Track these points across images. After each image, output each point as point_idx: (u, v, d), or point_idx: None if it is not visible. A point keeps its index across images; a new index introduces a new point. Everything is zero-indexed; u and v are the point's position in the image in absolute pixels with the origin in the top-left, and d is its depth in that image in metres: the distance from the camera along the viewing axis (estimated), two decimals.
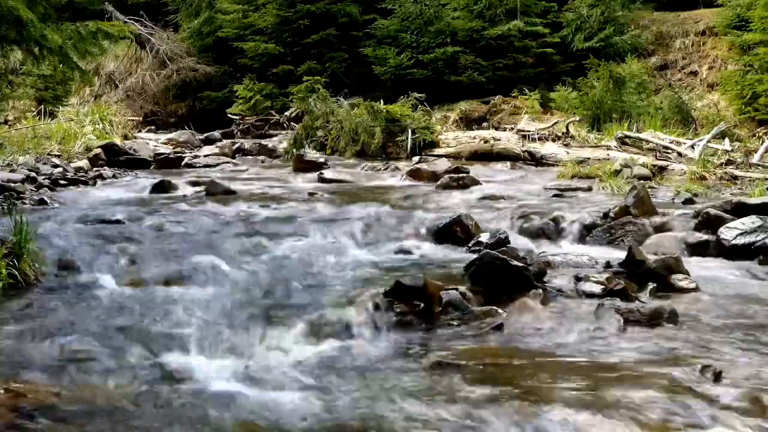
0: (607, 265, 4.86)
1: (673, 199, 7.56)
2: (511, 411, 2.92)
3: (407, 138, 11.89)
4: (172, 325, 3.86)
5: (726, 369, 3.27)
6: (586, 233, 6.06)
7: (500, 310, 4.10)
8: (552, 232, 6.13)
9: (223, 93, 18.01)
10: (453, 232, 5.85)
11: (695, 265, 5.02)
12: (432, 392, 3.13)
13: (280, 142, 13.63)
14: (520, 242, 5.74)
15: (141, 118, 17.93)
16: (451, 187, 8.49)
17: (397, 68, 15.89)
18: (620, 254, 5.01)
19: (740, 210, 5.94)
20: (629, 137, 11.18)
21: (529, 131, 12.53)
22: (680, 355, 3.50)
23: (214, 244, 5.61)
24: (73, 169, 9.68)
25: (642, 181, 8.22)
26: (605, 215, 6.27)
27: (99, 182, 9.16)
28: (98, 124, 12.77)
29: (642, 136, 11.17)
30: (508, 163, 11.04)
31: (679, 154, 10.31)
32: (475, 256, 4.64)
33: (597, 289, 4.35)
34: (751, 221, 5.45)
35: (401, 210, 6.88)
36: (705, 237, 5.61)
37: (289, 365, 3.48)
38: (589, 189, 8.36)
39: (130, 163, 10.88)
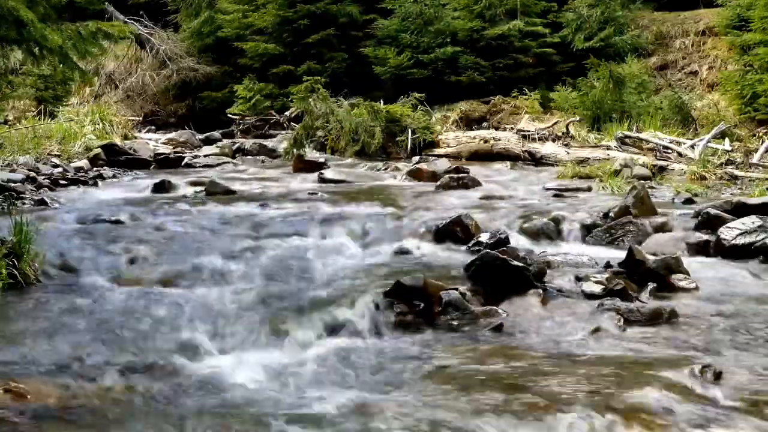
0: (607, 265, 4.86)
1: (673, 199, 7.56)
2: (510, 411, 2.92)
3: (407, 138, 11.89)
4: (171, 325, 3.86)
5: (726, 369, 3.27)
6: (586, 233, 6.06)
7: (500, 310, 4.11)
8: (552, 232, 6.12)
9: (223, 93, 17.99)
10: (453, 232, 5.84)
11: (695, 265, 5.01)
12: (431, 392, 3.13)
13: (280, 142, 13.60)
14: (520, 242, 5.74)
15: (141, 118, 17.92)
16: (451, 187, 8.48)
17: (397, 68, 15.88)
18: (620, 254, 5.01)
19: (740, 210, 5.94)
20: (629, 137, 11.19)
21: (529, 131, 12.53)
22: (680, 355, 3.50)
23: (214, 244, 5.61)
24: (73, 169, 9.67)
25: (642, 181, 8.22)
26: (605, 215, 6.27)
27: (99, 182, 9.15)
28: (98, 124, 12.76)
29: (642, 136, 11.17)
30: (508, 163, 11.05)
31: (679, 154, 10.32)
32: (475, 256, 4.64)
33: (597, 289, 4.35)
34: (751, 221, 5.45)
35: (401, 210, 6.88)
36: (705, 237, 5.61)
37: (289, 365, 3.48)
38: (589, 189, 8.36)
39: (130, 163, 10.87)
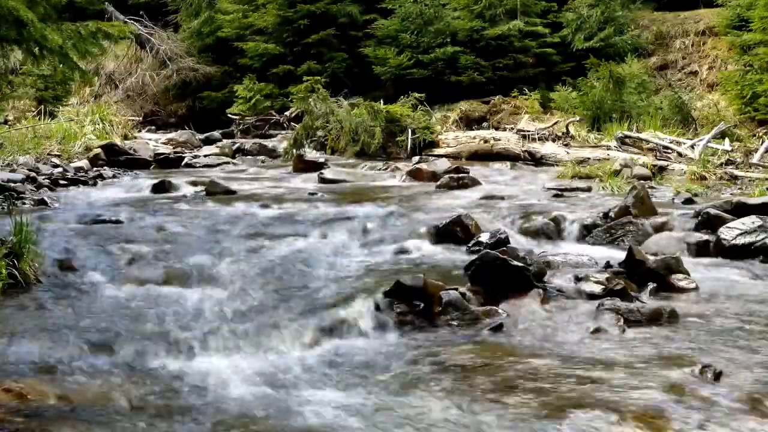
0: (607, 265, 4.86)
1: (673, 199, 7.56)
2: (510, 411, 2.92)
3: (407, 138, 11.89)
4: (172, 325, 3.86)
5: (726, 369, 3.27)
6: (586, 233, 6.06)
7: (500, 310, 4.11)
8: (552, 232, 6.12)
9: (223, 93, 18.00)
10: (453, 232, 5.84)
11: (695, 265, 5.02)
12: (431, 392, 3.13)
13: (280, 142, 13.62)
14: (520, 242, 5.75)
15: (141, 118, 17.92)
16: (451, 187, 8.48)
17: (397, 68, 15.89)
18: (620, 254, 5.01)
19: (740, 210, 5.93)
20: (629, 137, 11.19)
21: (529, 131, 12.53)
22: (680, 355, 3.50)
23: (214, 244, 5.61)
24: (73, 169, 9.67)
25: (642, 181, 8.22)
26: (605, 215, 6.27)
27: (99, 182, 9.15)
28: (98, 124, 12.77)
29: (642, 136, 11.17)
30: (508, 163, 11.04)
31: (679, 154, 10.32)
32: (475, 256, 4.64)
33: (597, 289, 4.35)
34: (751, 221, 5.45)
35: (401, 210, 6.88)
36: (705, 237, 5.61)
37: (289, 365, 3.48)
38: (589, 189, 8.35)
39: (130, 163, 10.87)
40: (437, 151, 11.79)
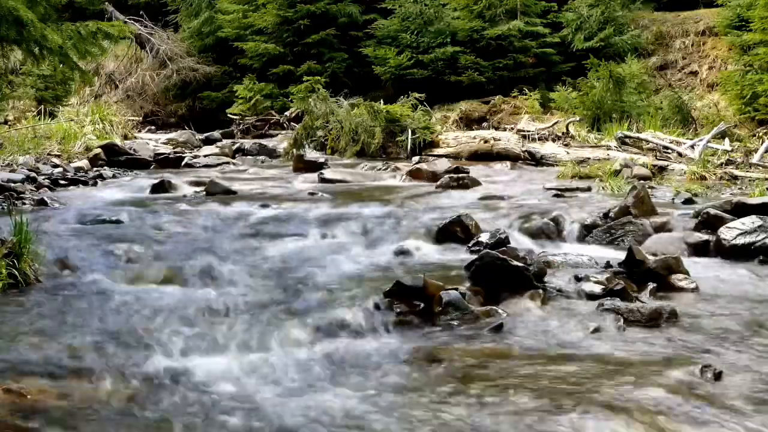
0: (607, 265, 4.86)
1: (673, 199, 7.56)
2: (510, 411, 2.92)
3: (407, 138, 11.89)
4: (172, 325, 3.86)
5: (726, 369, 3.27)
6: (586, 233, 6.06)
7: (500, 310, 4.11)
8: (552, 232, 6.12)
9: (223, 93, 18.01)
10: (453, 232, 5.85)
11: (695, 265, 5.02)
12: (431, 392, 3.13)
13: (280, 142, 13.62)
14: (520, 242, 5.74)
15: (141, 118, 17.92)
16: (451, 187, 8.48)
17: (397, 68, 15.89)
18: (620, 254, 5.01)
19: (740, 210, 5.93)
20: (629, 137, 11.19)
21: (529, 131, 12.53)
22: (680, 355, 3.50)
23: (214, 244, 5.61)
24: (73, 169, 9.68)
25: (642, 181, 8.22)
26: (605, 215, 6.27)
27: (99, 182, 9.15)
28: (98, 124, 12.77)
29: (642, 136, 11.17)
30: (508, 163, 11.04)
31: (679, 154, 10.32)
32: (475, 256, 4.64)
33: (597, 289, 4.35)
34: (751, 221, 5.45)
35: (401, 210, 6.88)
36: (705, 237, 5.61)
37: (289, 365, 3.48)
38: (589, 189, 8.35)
39: (130, 163, 10.87)
40: (437, 151, 11.79)
